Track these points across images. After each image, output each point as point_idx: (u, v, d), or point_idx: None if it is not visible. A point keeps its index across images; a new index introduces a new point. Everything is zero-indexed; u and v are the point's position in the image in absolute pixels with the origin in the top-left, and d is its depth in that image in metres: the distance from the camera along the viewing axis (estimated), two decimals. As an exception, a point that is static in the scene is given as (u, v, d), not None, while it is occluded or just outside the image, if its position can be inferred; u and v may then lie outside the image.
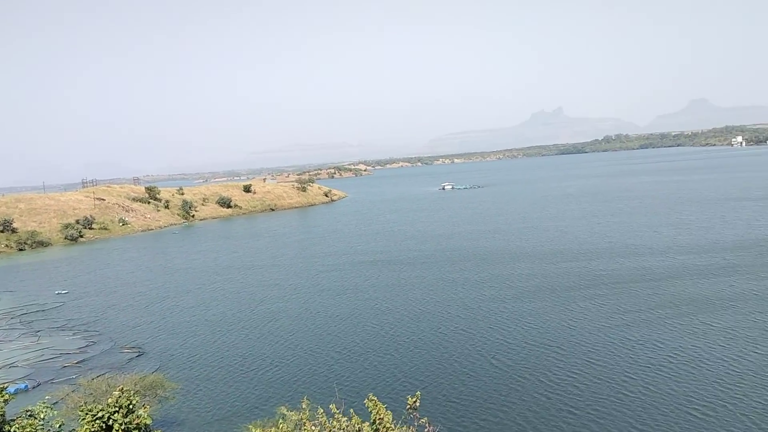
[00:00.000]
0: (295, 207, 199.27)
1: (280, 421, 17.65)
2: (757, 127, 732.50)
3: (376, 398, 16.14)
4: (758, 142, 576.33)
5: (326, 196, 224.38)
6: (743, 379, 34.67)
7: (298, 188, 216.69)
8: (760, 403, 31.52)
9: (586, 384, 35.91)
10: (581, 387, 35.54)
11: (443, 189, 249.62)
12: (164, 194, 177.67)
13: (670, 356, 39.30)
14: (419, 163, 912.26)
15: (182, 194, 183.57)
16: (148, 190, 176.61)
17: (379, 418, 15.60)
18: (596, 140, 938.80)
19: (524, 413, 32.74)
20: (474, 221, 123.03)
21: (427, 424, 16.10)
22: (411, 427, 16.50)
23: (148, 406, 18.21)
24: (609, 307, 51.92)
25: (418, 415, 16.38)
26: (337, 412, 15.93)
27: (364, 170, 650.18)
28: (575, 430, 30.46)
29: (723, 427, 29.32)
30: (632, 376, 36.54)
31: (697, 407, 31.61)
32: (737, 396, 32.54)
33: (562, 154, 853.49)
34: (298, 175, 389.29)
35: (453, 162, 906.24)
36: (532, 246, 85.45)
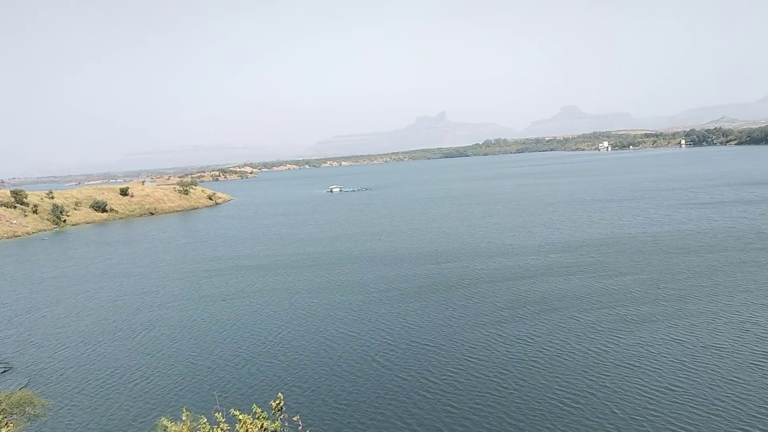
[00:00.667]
0: (177, 211, 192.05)
1: (162, 434, 17.06)
2: (621, 133, 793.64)
3: (258, 408, 16.00)
4: (622, 147, 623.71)
5: (210, 199, 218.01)
6: (608, 369, 37.59)
7: (179, 191, 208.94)
8: (622, 389, 34.33)
9: (465, 380, 37.41)
10: (460, 383, 36.99)
11: (331, 192, 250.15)
12: (32, 198, 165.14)
13: (541, 350, 41.80)
14: (307, 166, 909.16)
15: (52, 198, 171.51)
16: (14, 193, 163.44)
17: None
18: (477, 144, 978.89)
19: (405, 411, 33.61)
20: (360, 224, 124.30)
21: (299, 423, 16.33)
22: (285, 427, 16.53)
23: (11, 425, 17.07)
24: (486, 304, 54.32)
25: (286, 416, 16.53)
26: (223, 421, 15.68)
27: (250, 173, 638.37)
28: (453, 425, 31.75)
29: (591, 414, 31.64)
30: (508, 370, 38.50)
31: (567, 397, 33.87)
32: (603, 384, 35.23)
33: (446, 157, 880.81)
34: (179, 177, 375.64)
35: (341, 165, 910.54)
36: (416, 247, 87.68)
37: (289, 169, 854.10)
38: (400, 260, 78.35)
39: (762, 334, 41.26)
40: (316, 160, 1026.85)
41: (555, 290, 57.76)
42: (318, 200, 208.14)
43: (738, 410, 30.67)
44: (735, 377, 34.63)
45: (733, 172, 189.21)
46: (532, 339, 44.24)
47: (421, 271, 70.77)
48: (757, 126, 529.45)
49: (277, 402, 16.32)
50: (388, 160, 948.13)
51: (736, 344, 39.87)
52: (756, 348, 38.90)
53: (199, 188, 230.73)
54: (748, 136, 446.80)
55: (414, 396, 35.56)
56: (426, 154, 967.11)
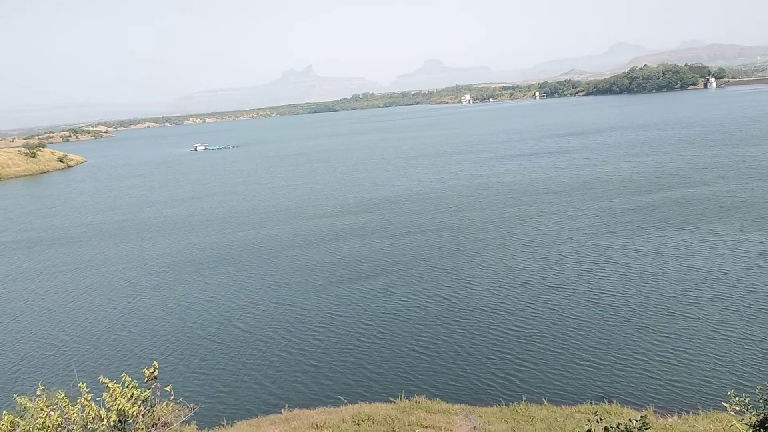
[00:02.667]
0: (24, 176, 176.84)
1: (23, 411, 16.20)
2: (481, 86, 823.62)
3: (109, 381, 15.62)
4: (483, 99, 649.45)
5: (61, 162, 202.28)
6: (464, 312, 40.38)
7: (25, 154, 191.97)
8: (473, 330, 37.14)
9: (326, 336, 38.79)
10: (321, 339, 38.33)
11: (195, 150, 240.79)
12: None
13: (401, 302, 44.02)
14: (168, 124, 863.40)
15: None
16: None
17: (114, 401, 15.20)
18: (345, 99, 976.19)
19: (268, 373, 34.46)
20: (225, 183, 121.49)
21: (171, 392, 16.35)
22: (157, 396, 16.40)
23: None
24: (349, 258, 55.93)
25: (159, 385, 16.47)
26: (87, 391, 15.12)
27: (105, 132, 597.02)
28: (309, 382, 33.02)
29: (442, 360, 34.05)
30: (368, 322, 40.21)
31: (422, 342, 36.22)
32: (462, 323, 37.90)
33: (315, 112, 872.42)
34: (25, 139, 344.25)
35: (204, 122, 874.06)
36: (279, 205, 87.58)
37: (148, 127, 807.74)
38: (262, 220, 77.97)
39: (598, 273, 45.91)
40: (178, 117, 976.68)
41: (422, 244, 60.46)
42: (181, 159, 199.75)
43: (579, 343, 34.34)
44: (576, 313, 38.54)
45: (575, 122, 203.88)
46: (389, 293, 46.34)
47: (282, 230, 70.93)
48: (602, 77, 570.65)
49: (152, 370, 16.15)
50: (255, 116, 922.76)
51: (577, 282, 44.14)
52: (592, 284, 43.33)
53: (48, 150, 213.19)
54: (595, 87, 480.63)
55: (276, 356, 36.38)
56: (294, 110, 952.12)
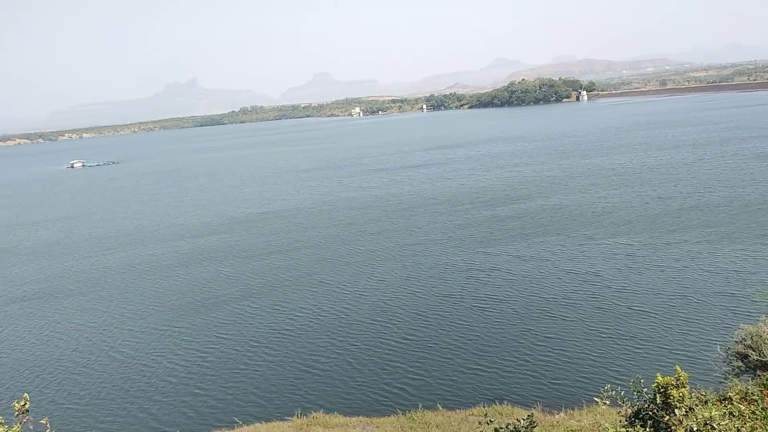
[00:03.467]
0: None
1: None
2: (371, 99, 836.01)
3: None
4: (372, 112, 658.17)
5: None
6: (353, 318, 40.57)
7: None
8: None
9: (215, 358, 37.74)
10: (209, 362, 37.25)
11: (72, 167, 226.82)
12: None
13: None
14: (41, 140, 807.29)
15: None
16: None
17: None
18: (233, 112, 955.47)
19: (151, 398, 33.07)
20: (103, 201, 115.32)
21: (47, 425, 15.29)
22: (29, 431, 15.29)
23: None
24: (237, 276, 54.79)
25: (31, 418, 15.36)
26: None
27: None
28: (208, 403, 31.98)
29: (335, 380, 34.00)
30: (258, 340, 39.59)
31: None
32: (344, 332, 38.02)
33: (201, 126, 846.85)
34: None
35: (81, 137, 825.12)
36: (166, 225, 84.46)
37: (19, 143, 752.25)
38: (144, 240, 74.99)
39: (484, 279, 47.64)
40: (52, 132, 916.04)
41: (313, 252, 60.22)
42: (56, 177, 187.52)
43: (469, 348, 35.40)
44: (465, 319, 39.72)
45: (461, 134, 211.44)
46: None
47: (166, 250, 68.50)
48: (484, 91, 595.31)
49: (23, 403, 14.99)
50: (136, 130, 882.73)
51: (464, 290, 45.55)
52: (479, 291, 44.89)
53: None
54: (478, 100, 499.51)
55: (162, 381, 34.95)
56: (179, 123, 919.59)
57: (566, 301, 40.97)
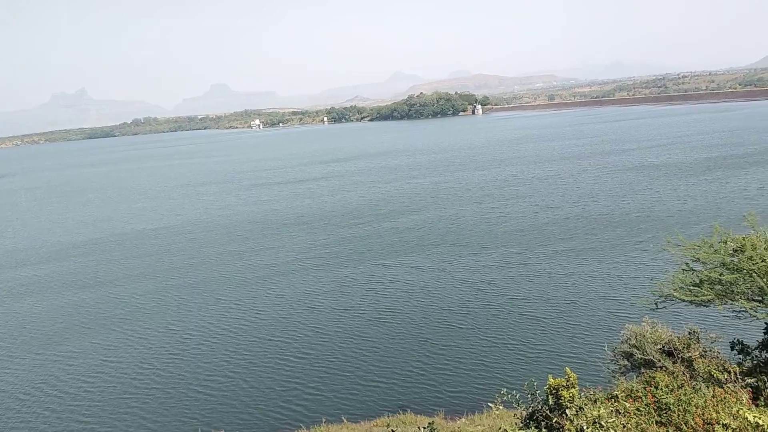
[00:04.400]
0: None
1: None
2: (270, 111, 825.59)
3: None
4: (273, 124, 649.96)
5: None
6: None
7: None
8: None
9: (99, 387, 35.77)
10: (89, 391, 35.28)
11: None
12: None
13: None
14: None
15: None
16: None
17: None
18: (125, 123, 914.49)
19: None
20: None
21: None
22: None
23: None
24: (125, 297, 52.27)
25: None
26: None
27: None
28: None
29: (236, 402, 32.97)
30: (146, 364, 37.84)
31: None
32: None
33: (90, 138, 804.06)
34: None
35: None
36: (47, 243, 79.37)
37: None
38: (21, 261, 70.26)
39: (384, 292, 47.87)
40: None
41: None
42: None
43: (372, 360, 35.30)
44: (366, 332, 39.68)
45: (362, 146, 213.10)
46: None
47: (42, 271, 64.48)
48: (384, 104, 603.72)
49: None
50: (20, 143, 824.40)
51: (364, 303, 45.56)
52: (379, 304, 45.04)
53: None
54: (378, 113, 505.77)
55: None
56: (66, 135, 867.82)
57: (463, 309, 41.92)
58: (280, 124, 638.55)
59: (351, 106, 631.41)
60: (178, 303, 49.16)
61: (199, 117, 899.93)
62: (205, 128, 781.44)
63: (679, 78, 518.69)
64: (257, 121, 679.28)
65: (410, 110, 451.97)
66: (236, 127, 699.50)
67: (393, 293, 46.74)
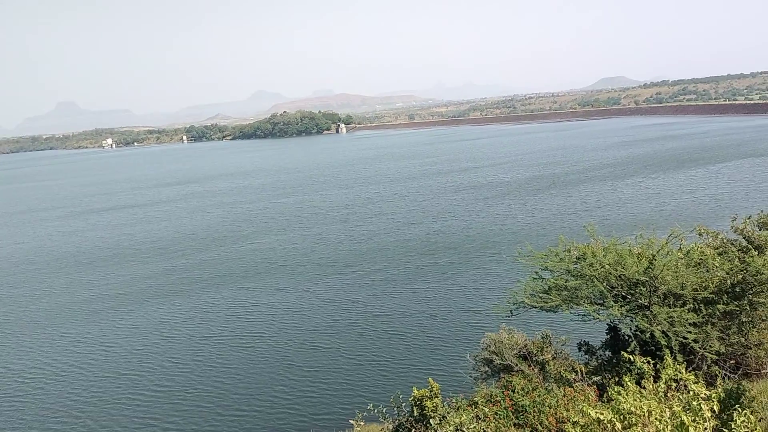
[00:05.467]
0: None
1: None
2: (125, 129, 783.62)
3: None
4: (127, 143, 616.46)
5: None
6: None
7: None
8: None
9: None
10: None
11: None
12: None
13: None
14: None
15: None
16: None
17: None
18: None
19: None
20: None
21: None
22: None
23: None
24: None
25: None
26: None
27: None
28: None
29: None
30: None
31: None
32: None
33: None
34: None
35: None
36: None
37: None
38: None
39: (245, 317, 46.56)
40: None
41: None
42: None
43: (233, 389, 34.06)
44: (228, 359, 38.30)
45: (223, 165, 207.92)
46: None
47: None
48: (247, 122, 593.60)
49: None
50: None
51: (225, 329, 44.01)
52: (241, 329, 43.70)
53: None
54: (241, 132, 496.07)
55: None
56: None
57: (328, 329, 41.44)
58: (135, 144, 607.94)
59: (212, 125, 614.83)
60: (16, 340, 44.67)
61: (44, 137, 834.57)
62: (51, 148, 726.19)
63: (526, 99, 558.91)
64: (109, 140, 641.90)
65: (274, 129, 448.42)
66: (86, 147, 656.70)
67: (256, 317, 45.35)
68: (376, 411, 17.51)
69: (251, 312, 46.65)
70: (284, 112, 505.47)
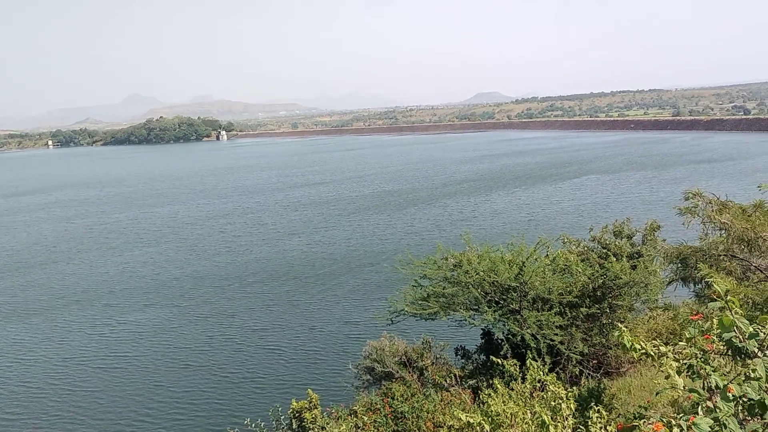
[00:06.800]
0: None
1: None
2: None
3: None
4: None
5: None
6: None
7: None
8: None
9: None
10: None
11: None
12: None
13: None
14: None
15: None
16: None
17: None
18: None
19: None
20: None
21: None
22: None
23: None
24: None
25: None
26: None
27: None
28: None
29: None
30: None
31: None
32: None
33: None
34: None
35: None
36: None
37: None
38: None
39: (110, 336, 43.86)
40: None
41: None
42: None
43: (100, 414, 31.87)
44: (90, 382, 35.82)
45: (101, 172, 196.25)
46: None
47: None
48: (120, 127, 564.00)
49: None
50: None
51: (88, 350, 41.25)
52: (104, 350, 41.13)
53: None
54: (113, 137, 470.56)
55: None
56: None
57: (202, 347, 39.62)
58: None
59: (81, 129, 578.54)
60: None
61: None
62: None
63: (408, 110, 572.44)
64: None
65: (150, 134, 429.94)
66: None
67: (123, 335, 42.35)
68: (253, 425, 17.12)
69: (117, 330, 43.63)
70: (161, 117, 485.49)
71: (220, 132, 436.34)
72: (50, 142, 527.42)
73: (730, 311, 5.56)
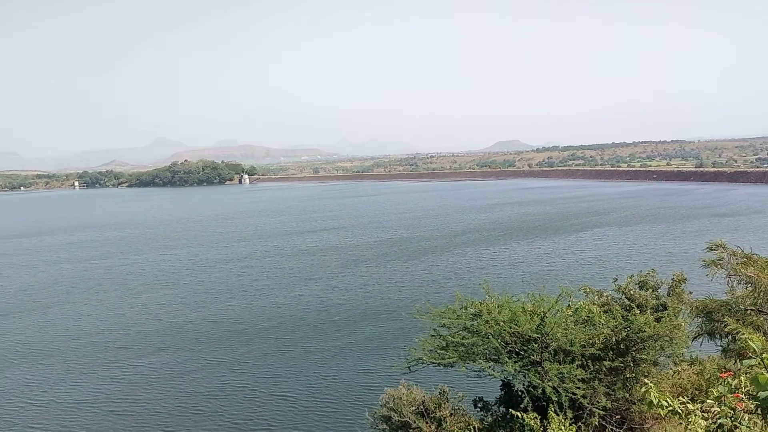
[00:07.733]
0: None
1: None
2: (11, 173, 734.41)
3: None
4: (12, 188, 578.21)
5: None
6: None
7: None
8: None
9: None
10: None
11: None
12: None
13: None
14: None
15: None
16: None
17: None
18: None
19: None
20: None
21: None
22: None
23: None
24: None
25: None
26: None
27: None
28: None
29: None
30: None
31: None
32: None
33: None
34: None
35: None
36: None
37: None
38: None
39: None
40: None
41: None
42: None
43: None
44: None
45: (118, 213, 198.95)
46: None
47: None
48: (145, 170, 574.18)
49: None
50: None
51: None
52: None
53: None
54: (138, 179, 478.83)
55: None
56: None
57: (212, 395, 39.02)
58: (22, 188, 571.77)
59: (107, 171, 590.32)
60: None
61: None
62: None
63: (428, 157, 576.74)
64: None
65: (174, 177, 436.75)
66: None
67: (134, 380, 42.08)
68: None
69: (130, 373, 43.07)
70: (185, 160, 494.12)
71: (242, 176, 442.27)
72: (77, 183, 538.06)
73: (767, 369, 5.25)
